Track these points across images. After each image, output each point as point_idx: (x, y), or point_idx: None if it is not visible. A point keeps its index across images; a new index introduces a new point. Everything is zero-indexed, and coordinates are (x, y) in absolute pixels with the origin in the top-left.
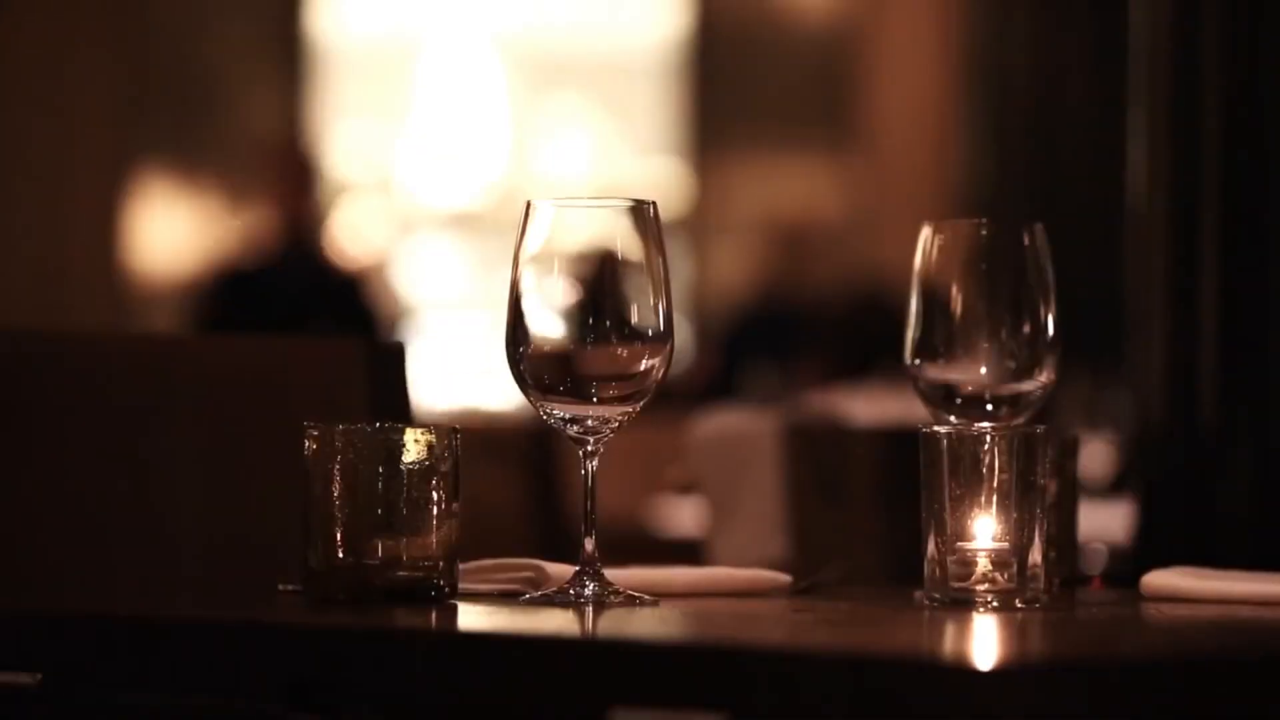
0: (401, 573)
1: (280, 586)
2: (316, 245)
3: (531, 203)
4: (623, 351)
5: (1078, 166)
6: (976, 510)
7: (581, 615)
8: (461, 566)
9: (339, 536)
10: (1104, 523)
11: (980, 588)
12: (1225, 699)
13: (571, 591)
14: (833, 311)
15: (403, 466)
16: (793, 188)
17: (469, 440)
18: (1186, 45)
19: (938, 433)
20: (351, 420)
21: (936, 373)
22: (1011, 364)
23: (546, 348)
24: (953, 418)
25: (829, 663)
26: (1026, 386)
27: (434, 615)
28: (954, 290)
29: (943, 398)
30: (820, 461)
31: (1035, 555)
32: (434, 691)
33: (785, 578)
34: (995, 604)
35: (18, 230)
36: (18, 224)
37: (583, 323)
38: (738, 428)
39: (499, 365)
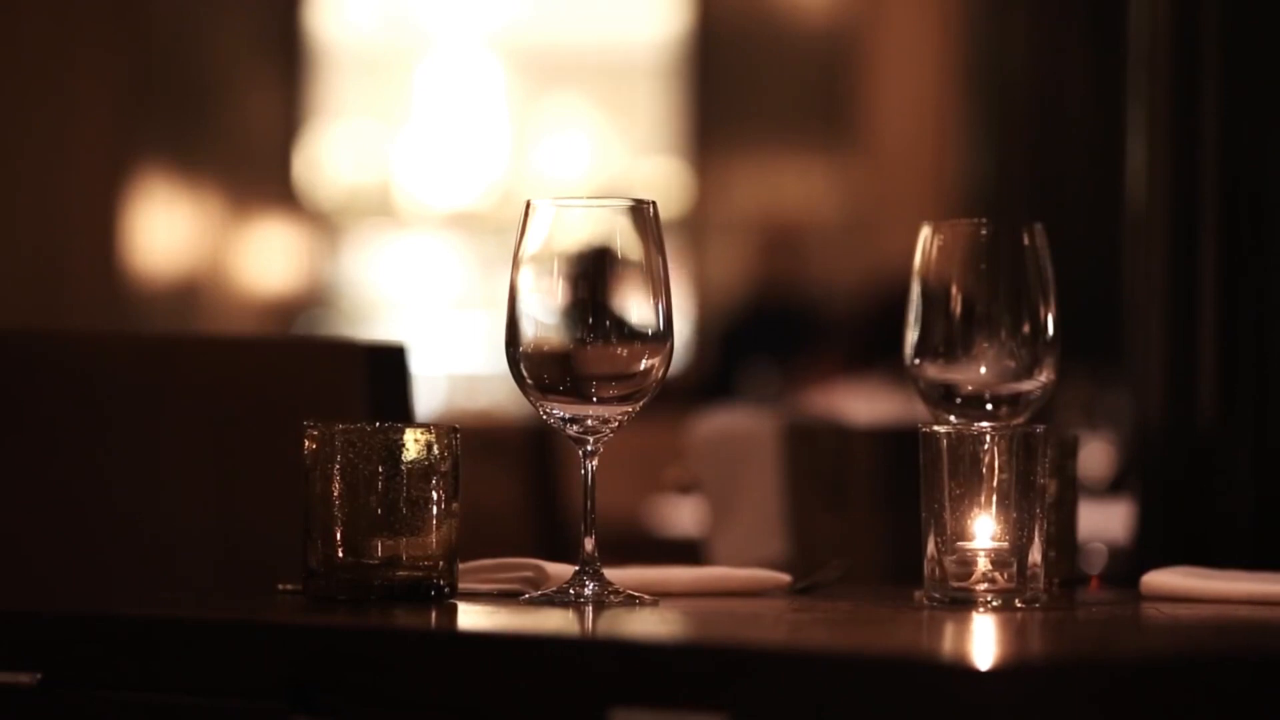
0: (401, 572)
1: (280, 586)
2: None
3: (531, 202)
4: (622, 351)
5: (1078, 166)
6: (976, 510)
7: (581, 615)
8: (461, 566)
9: (339, 536)
10: (1104, 523)
11: (980, 587)
12: (1225, 699)
13: (571, 591)
14: (855, 308)
15: (403, 466)
16: (792, 188)
17: (469, 440)
18: (1186, 45)
19: (937, 432)
20: (351, 420)
21: (936, 372)
22: (1011, 364)
23: (546, 347)
24: (953, 417)
25: (829, 663)
26: (1026, 386)
27: (434, 615)
28: (954, 290)
29: (942, 397)
30: (820, 461)
31: (1035, 555)
32: (434, 691)
33: (785, 578)
34: (995, 604)
35: (17, 230)
36: (17, 223)
37: (582, 322)
38: (738, 428)
39: (499, 365)
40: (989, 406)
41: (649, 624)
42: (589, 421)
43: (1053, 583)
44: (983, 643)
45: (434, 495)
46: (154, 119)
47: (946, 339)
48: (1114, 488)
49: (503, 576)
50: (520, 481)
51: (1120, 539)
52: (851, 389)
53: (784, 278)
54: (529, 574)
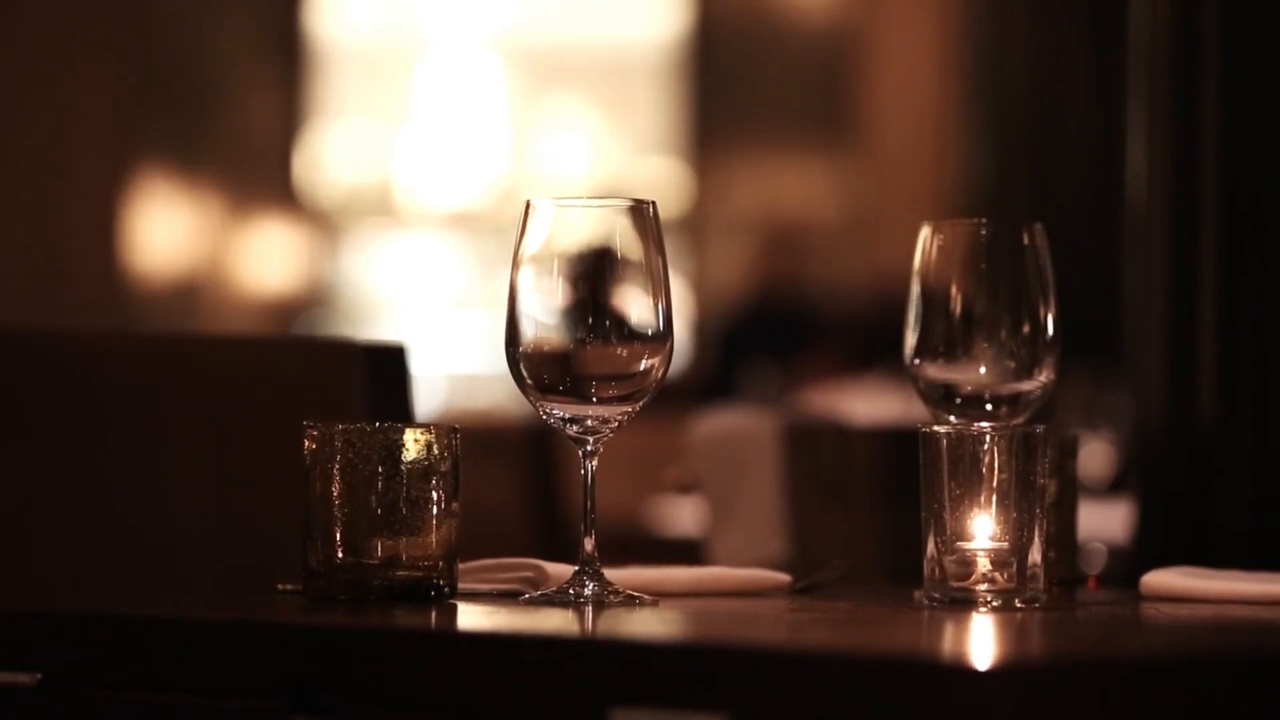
0: (401, 572)
1: (280, 586)
2: None
3: (531, 202)
4: (622, 351)
5: (1078, 166)
6: (976, 510)
7: (581, 615)
8: (461, 566)
9: (339, 536)
10: (1104, 523)
11: (980, 588)
12: (1225, 699)
13: (571, 591)
14: (855, 308)
15: (402, 466)
16: (792, 187)
17: (469, 440)
18: (1186, 45)
19: (937, 432)
20: (351, 420)
21: (936, 373)
22: (1011, 364)
23: (546, 347)
24: (952, 417)
25: (829, 663)
26: (1026, 386)
27: (434, 615)
28: (954, 290)
29: (942, 397)
30: (820, 461)
31: (1035, 555)
32: (434, 691)
33: (785, 578)
34: (995, 604)
35: (17, 230)
36: (17, 223)
37: (582, 322)
38: (738, 428)
39: (499, 365)
40: (989, 406)
41: (649, 624)
42: (589, 421)
43: (1053, 583)
44: (983, 643)
45: (434, 495)
46: (154, 119)
47: (946, 339)
48: (1114, 488)
49: (503, 576)
50: (520, 481)
51: (1120, 539)
52: (851, 389)
53: (784, 278)
54: (529, 574)
